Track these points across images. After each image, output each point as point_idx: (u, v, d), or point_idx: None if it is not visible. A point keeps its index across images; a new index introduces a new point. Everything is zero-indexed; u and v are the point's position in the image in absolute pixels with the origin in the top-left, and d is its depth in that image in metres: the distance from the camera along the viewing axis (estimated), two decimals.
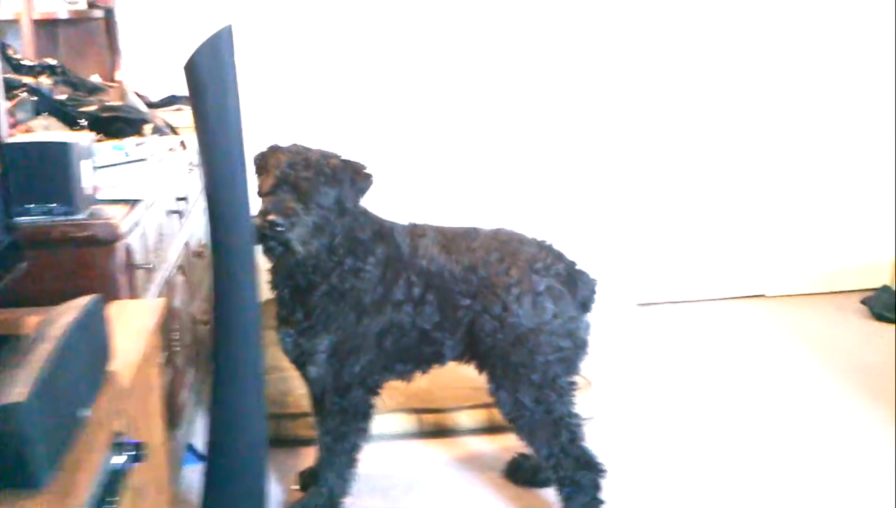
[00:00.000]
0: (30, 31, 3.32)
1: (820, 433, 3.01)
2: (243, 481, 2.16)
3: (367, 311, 2.31)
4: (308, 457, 2.69)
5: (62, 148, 1.81)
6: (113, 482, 1.24)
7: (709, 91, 4.12)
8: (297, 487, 2.64)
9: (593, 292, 2.48)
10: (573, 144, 4.03)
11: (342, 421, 2.38)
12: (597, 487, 2.39)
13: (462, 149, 3.99)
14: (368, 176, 2.30)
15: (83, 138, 1.93)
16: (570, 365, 2.40)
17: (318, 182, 2.16)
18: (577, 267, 2.46)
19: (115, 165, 2.42)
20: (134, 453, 1.31)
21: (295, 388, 2.95)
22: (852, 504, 2.58)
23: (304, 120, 3.78)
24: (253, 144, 2.17)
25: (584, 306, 2.46)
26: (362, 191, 2.30)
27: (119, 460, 1.27)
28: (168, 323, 2.36)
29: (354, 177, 2.26)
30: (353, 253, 2.28)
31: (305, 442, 2.78)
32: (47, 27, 3.49)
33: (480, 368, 2.41)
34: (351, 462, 2.45)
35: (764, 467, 2.79)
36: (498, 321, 2.30)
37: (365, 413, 2.42)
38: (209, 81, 1.91)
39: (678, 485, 2.70)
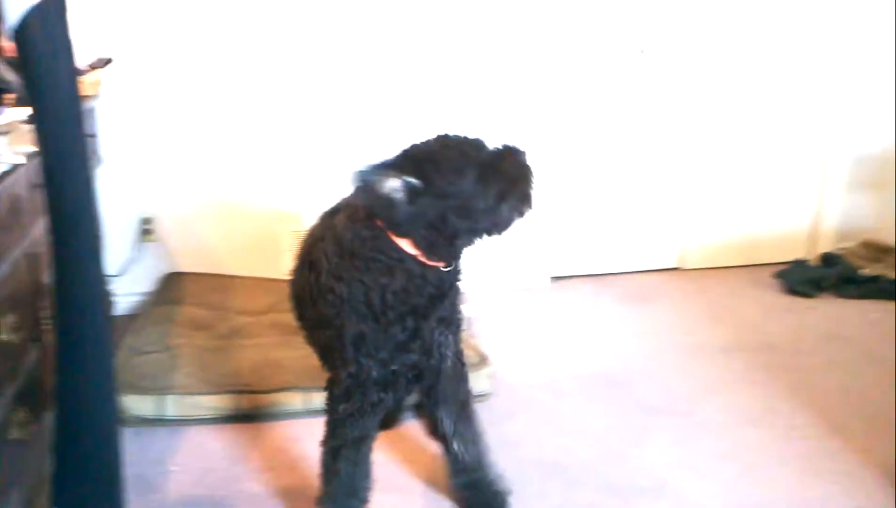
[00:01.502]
0: None
1: (717, 406, 2.98)
2: (95, 466, 2.07)
3: None
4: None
5: None
6: None
7: (624, 65, 4.06)
8: (175, 469, 2.57)
9: None
10: (486, 119, 3.95)
11: None
12: None
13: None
14: None
15: None
16: None
17: None
18: None
19: None
20: None
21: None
22: (750, 477, 2.56)
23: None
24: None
25: None
26: None
27: None
28: (36, 299, 2.27)
29: None
30: None
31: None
32: None
33: None
34: None
35: (661, 440, 2.76)
36: None
37: None
38: (40, 47, 1.80)
39: (571, 462, 2.66)
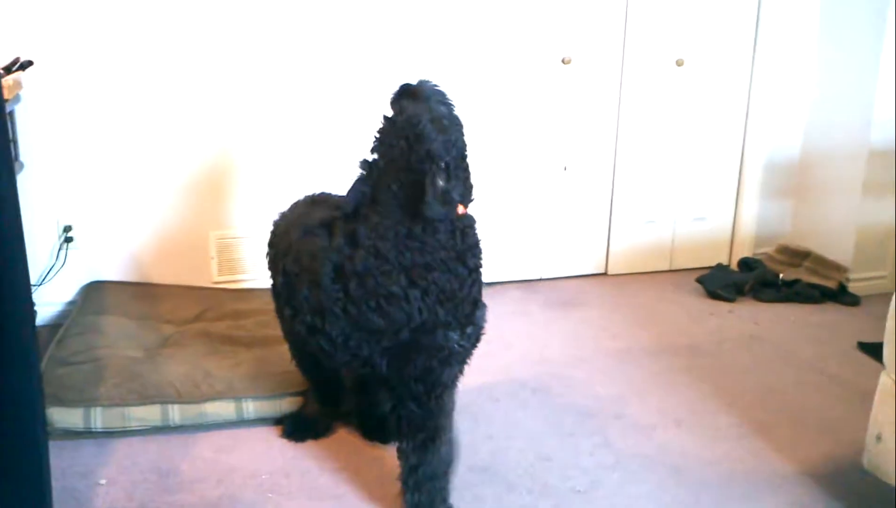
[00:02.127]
0: None
1: (645, 408, 3.05)
2: (21, 481, 2.01)
3: None
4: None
5: None
6: None
7: (548, 74, 4.12)
8: (104, 482, 2.51)
9: None
10: None
11: None
12: None
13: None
14: None
15: None
16: None
17: None
18: None
19: None
20: None
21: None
22: (678, 478, 2.62)
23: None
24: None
25: None
26: None
27: None
28: None
29: None
30: None
31: None
32: None
33: None
34: None
35: (592, 443, 2.81)
36: None
37: None
38: None
39: (505, 466, 2.68)
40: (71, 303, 3.70)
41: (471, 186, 2.23)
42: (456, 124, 2.18)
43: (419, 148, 2.10)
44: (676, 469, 2.68)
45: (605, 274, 4.48)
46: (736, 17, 4.31)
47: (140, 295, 3.67)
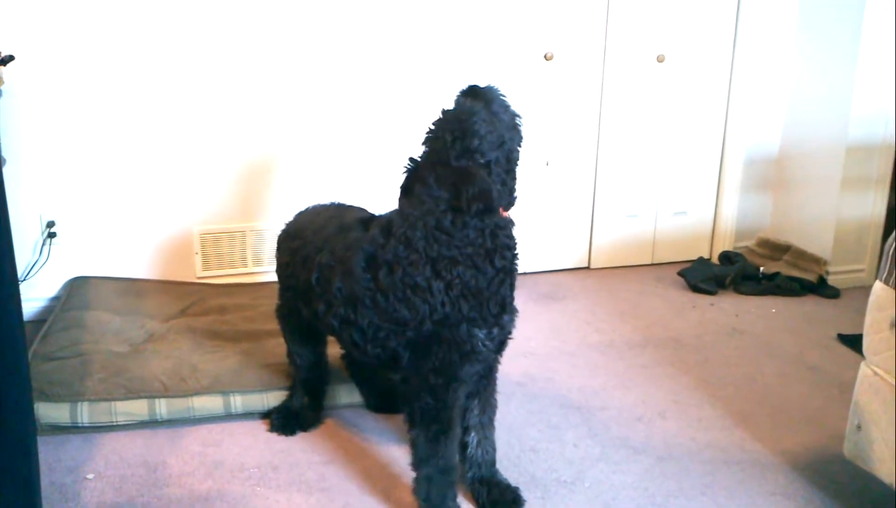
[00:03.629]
0: None
1: (629, 400, 3.08)
2: (10, 476, 2.00)
3: None
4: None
5: None
6: None
7: (530, 70, 4.14)
8: (91, 476, 2.50)
9: None
10: (399, 123, 3.98)
11: None
12: None
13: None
14: None
15: None
16: None
17: None
18: None
19: None
20: None
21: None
22: (662, 468, 2.65)
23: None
24: None
25: None
26: None
27: None
28: None
29: None
30: None
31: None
32: None
33: None
34: None
35: (577, 434, 2.83)
36: None
37: None
38: None
39: None
40: (55, 299, 3.69)
41: (512, 189, 2.24)
42: (511, 129, 2.20)
43: (463, 142, 2.11)
44: (660, 459, 2.71)
45: (587, 268, 4.52)
46: (716, 13, 4.35)
47: (124, 290, 3.66)
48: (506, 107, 2.23)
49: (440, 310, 2.17)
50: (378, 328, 2.27)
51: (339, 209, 2.69)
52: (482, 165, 2.11)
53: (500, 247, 2.20)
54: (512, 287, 2.27)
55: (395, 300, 2.21)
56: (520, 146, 2.25)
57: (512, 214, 2.29)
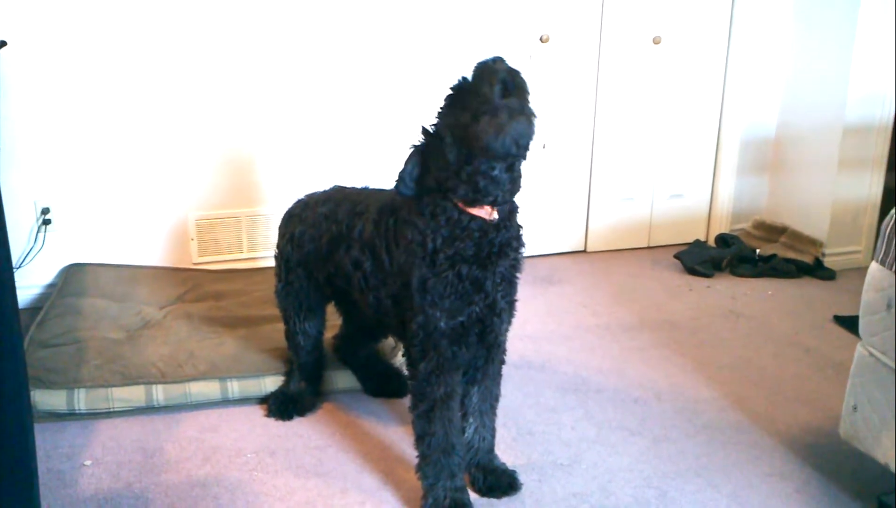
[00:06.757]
0: None
1: (626, 383, 3.08)
2: (7, 463, 2.00)
3: None
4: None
5: None
6: None
7: (527, 54, 4.12)
8: (89, 463, 2.51)
9: None
10: (399, 110, 3.97)
11: None
12: None
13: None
14: None
15: None
16: None
17: None
18: None
19: None
20: None
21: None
22: (659, 450, 2.66)
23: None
24: None
25: None
26: None
27: None
28: None
29: None
30: None
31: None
32: None
33: None
34: None
35: (574, 417, 2.84)
36: None
37: None
38: None
39: None
40: (50, 286, 3.69)
41: (518, 177, 2.26)
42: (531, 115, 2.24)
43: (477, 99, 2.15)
44: (657, 441, 2.72)
45: (584, 251, 4.51)
46: (716, 10, 4.33)
47: (120, 277, 3.66)
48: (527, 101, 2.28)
49: (415, 275, 2.22)
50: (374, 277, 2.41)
51: (359, 193, 2.69)
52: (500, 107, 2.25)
53: (502, 245, 2.22)
54: (504, 292, 2.27)
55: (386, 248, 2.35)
56: (532, 130, 2.30)
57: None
